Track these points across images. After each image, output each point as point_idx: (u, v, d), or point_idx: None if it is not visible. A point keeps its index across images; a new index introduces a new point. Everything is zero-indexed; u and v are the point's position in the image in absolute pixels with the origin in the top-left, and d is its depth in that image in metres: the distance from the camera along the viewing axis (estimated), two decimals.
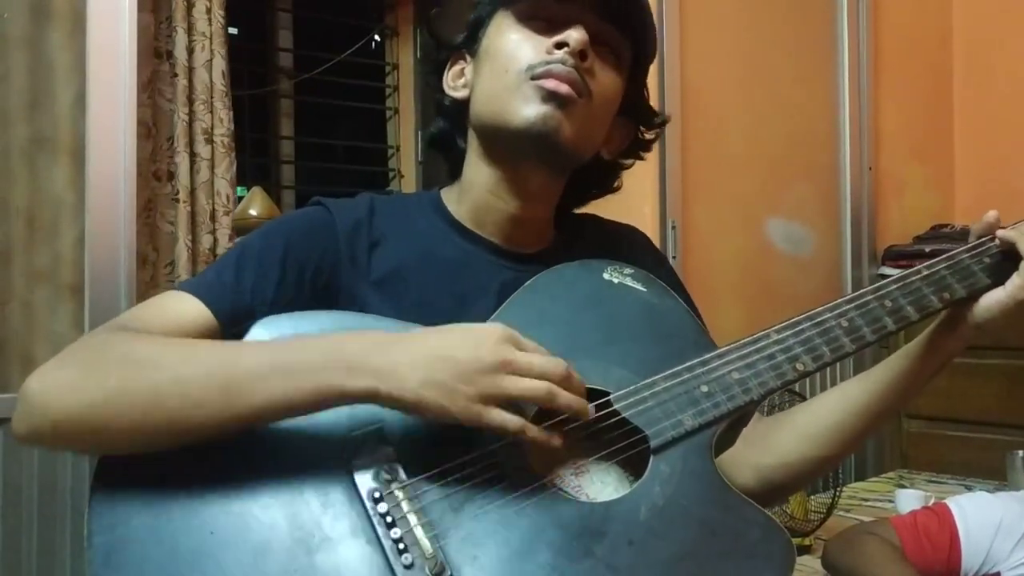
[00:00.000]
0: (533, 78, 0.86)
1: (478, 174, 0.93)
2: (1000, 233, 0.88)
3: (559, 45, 0.86)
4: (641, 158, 1.03)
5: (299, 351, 0.74)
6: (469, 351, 0.72)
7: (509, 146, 0.90)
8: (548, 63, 0.86)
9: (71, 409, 0.72)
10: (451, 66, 0.97)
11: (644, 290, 0.90)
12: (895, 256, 2.75)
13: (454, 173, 0.98)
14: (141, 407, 0.71)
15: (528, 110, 0.85)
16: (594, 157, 0.95)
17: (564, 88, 0.85)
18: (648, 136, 1.02)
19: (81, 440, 0.74)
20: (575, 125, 0.86)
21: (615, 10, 0.90)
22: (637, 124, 1.00)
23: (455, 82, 0.96)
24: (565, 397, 0.74)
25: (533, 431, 0.73)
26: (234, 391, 0.71)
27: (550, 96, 0.85)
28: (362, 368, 0.71)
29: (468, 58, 0.95)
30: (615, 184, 1.03)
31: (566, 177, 0.96)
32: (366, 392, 0.71)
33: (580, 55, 0.86)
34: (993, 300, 0.87)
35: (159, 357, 0.74)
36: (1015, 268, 0.86)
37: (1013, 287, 0.85)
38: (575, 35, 0.85)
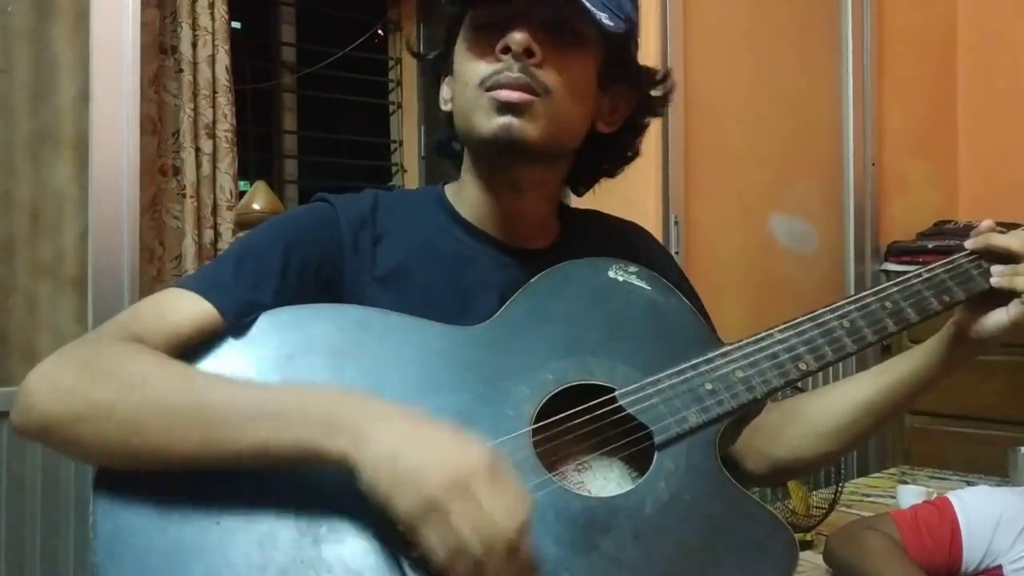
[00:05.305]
0: (488, 90, 0.85)
1: (473, 172, 0.94)
2: (968, 244, 0.94)
3: (505, 50, 0.85)
4: (657, 114, 0.99)
5: (284, 400, 0.72)
6: (444, 457, 0.67)
7: (486, 156, 0.91)
8: (497, 72, 0.85)
9: (58, 416, 0.72)
10: (442, 81, 0.97)
11: (649, 288, 0.90)
12: (898, 252, 2.74)
13: (458, 170, 0.98)
14: (124, 429, 0.71)
15: (489, 123, 0.85)
16: (592, 134, 0.94)
17: (515, 96, 0.84)
18: (655, 93, 0.98)
19: (65, 447, 0.74)
20: (540, 124, 0.85)
21: None
22: (636, 87, 0.96)
23: (444, 98, 0.96)
24: (493, 570, 0.65)
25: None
26: (215, 430, 0.70)
27: (504, 107, 0.84)
28: (340, 429, 0.69)
29: (450, 74, 0.95)
30: (631, 152, 1.00)
31: (562, 165, 0.95)
32: (340, 455, 0.68)
33: (526, 54, 0.85)
34: (998, 324, 0.91)
35: (150, 378, 0.73)
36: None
37: (1016, 313, 0.90)
38: (516, 37, 0.84)
